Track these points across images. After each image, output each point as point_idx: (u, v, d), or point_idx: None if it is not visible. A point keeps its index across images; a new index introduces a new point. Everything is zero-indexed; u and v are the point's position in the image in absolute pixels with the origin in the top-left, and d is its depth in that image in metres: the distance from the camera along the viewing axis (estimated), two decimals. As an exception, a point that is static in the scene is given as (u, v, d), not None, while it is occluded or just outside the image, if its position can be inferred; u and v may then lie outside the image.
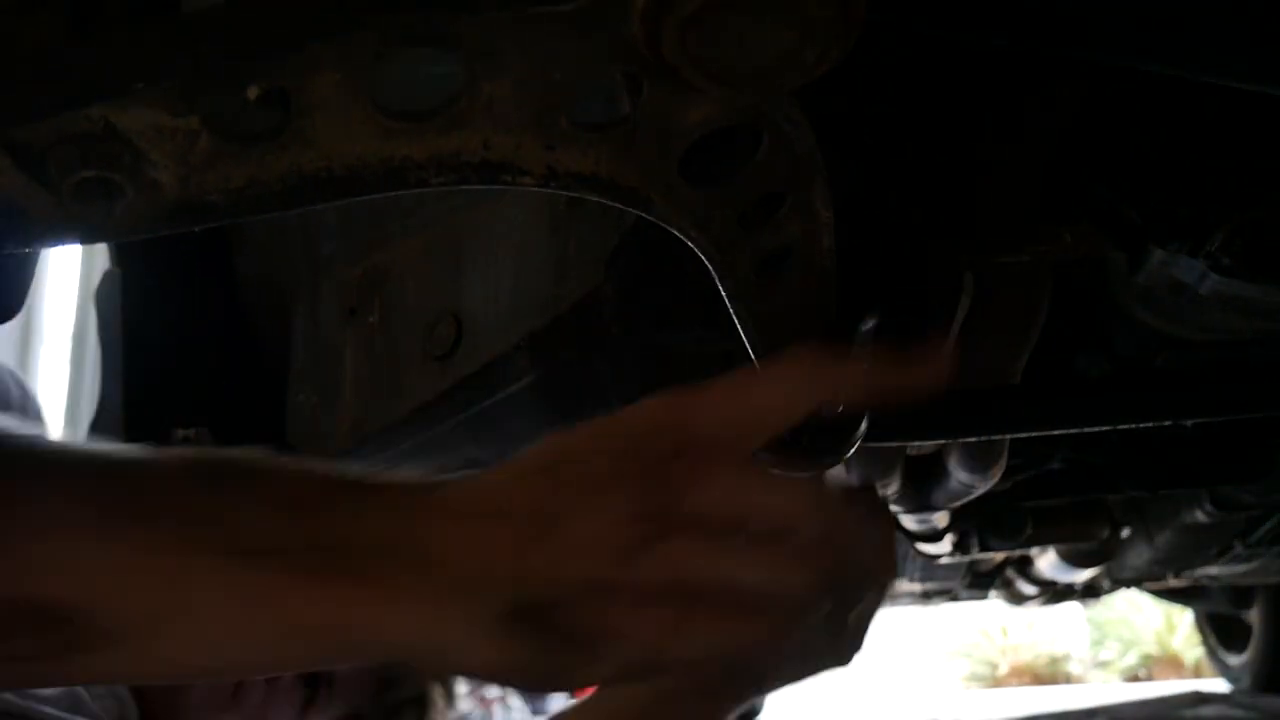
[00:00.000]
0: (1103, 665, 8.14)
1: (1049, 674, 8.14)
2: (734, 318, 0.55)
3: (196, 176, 0.39)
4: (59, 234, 0.39)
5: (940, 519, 1.54)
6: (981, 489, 1.10)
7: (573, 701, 0.74)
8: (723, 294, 0.53)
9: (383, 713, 1.35)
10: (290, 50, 0.36)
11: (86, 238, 0.41)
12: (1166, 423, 0.83)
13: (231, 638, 0.41)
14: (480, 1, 0.36)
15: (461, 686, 5.01)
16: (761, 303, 0.54)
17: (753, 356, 0.58)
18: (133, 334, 1.06)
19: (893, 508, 1.22)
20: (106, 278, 1.12)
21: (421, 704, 1.39)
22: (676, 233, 0.48)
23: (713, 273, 0.51)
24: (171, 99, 0.36)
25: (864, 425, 0.65)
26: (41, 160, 0.37)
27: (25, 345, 4.12)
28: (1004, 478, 1.11)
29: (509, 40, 0.38)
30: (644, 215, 0.46)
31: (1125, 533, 1.93)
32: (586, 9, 0.37)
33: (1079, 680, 8.01)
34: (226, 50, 0.36)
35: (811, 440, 0.65)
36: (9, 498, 0.39)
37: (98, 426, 1.07)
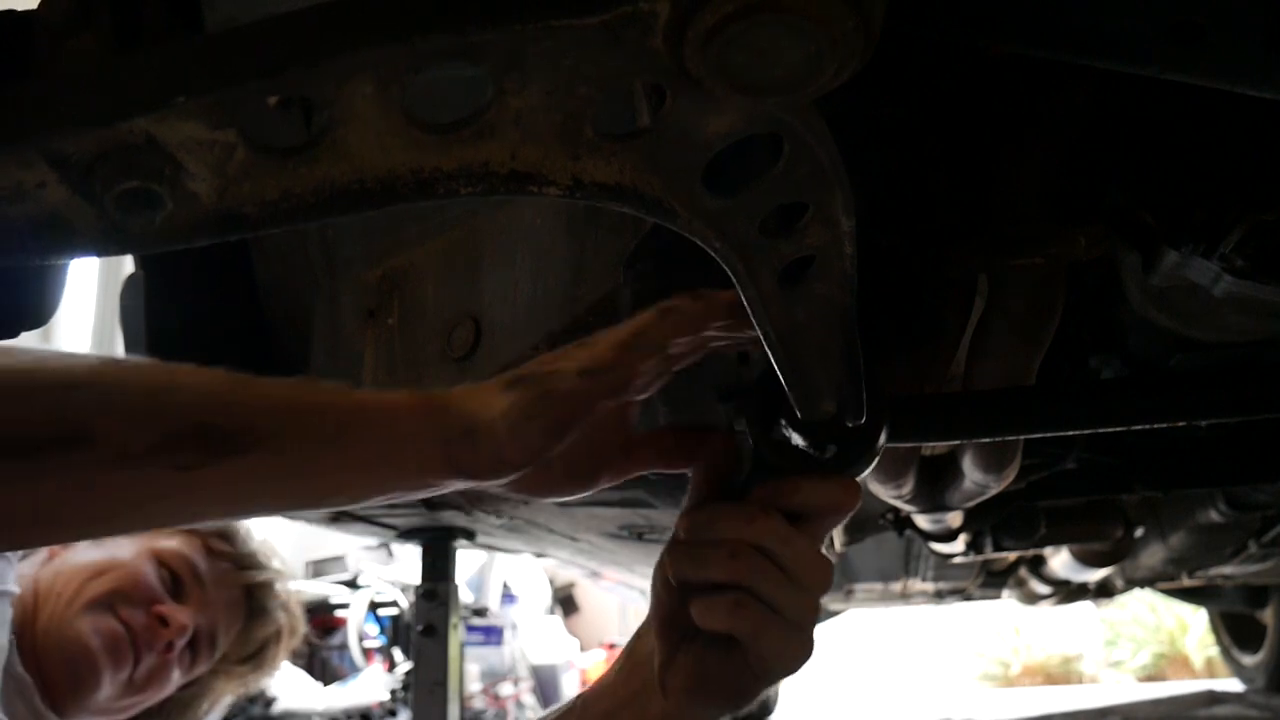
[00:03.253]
0: (1116, 665, 8.11)
1: (1062, 673, 8.12)
2: (755, 326, 0.56)
3: (232, 189, 0.40)
4: (100, 245, 0.41)
5: (954, 519, 1.54)
6: (995, 489, 1.10)
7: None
8: (743, 302, 0.54)
9: (252, 648, 1.51)
10: (324, 63, 0.37)
11: (126, 248, 0.42)
12: (1180, 423, 0.83)
13: (316, 468, 0.59)
14: (506, 14, 0.37)
15: (474, 684, 5.00)
16: (782, 311, 0.55)
17: (774, 363, 0.59)
18: (156, 335, 1.07)
19: (906, 507, 1.22)
20: (130, 281, 1.13)
21: (278, 637, 1.55)
22: (699, 241, 0.49)
23: (734, 281, 0.52)
24: (210, 111, 0.37)
25: (885, 435, 0.66)
26: (85, 174, 0.38)
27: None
28: (1018, 478, 1.11)
29: (534, 52, 0.38)
30: (667, 225, 0.47)
31: (1139, 532, 1.93)
32: (610, 22, 0.37)
33: (1092, 680, 7.98)
34: (262, 63, 0.37)
35: (840, 451, 0.66)
36: (179, 371, 0.58)
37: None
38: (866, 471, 0.67)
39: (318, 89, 0.38)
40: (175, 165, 0.39)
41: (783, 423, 0.66)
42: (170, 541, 1.41)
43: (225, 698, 1.55)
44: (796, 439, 0.66)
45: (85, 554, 1.35)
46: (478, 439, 0.60)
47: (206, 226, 0.41)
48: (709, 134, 0.43)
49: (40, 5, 0.47)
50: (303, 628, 1.63)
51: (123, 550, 1.37)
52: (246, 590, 1.48)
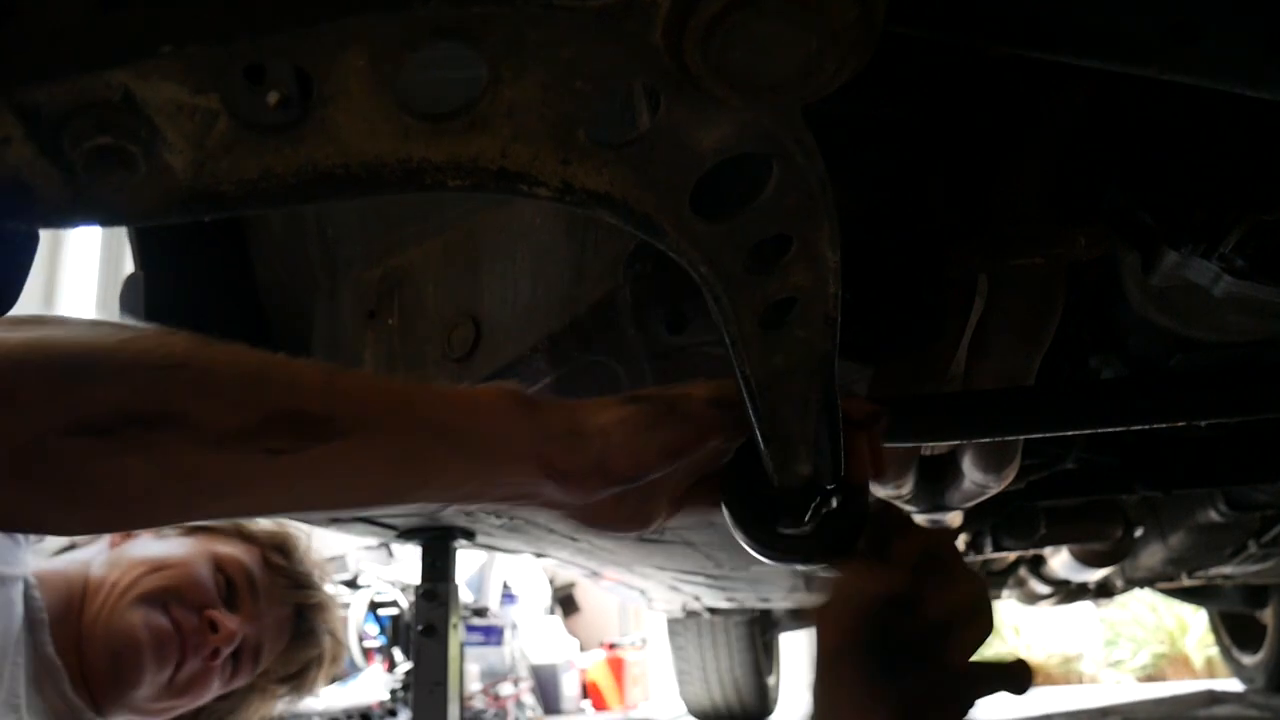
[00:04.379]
0: (1116, 665, 8.10)
1: (1062, 673, 8.11)
2: (734, 362, 0.54)
3: (210, 163, 0.38)
4: (62, 213, 0.38)
5: (954, 519, 1.54)
6: (995, 489, 1.10)
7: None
8: (725, 338, 0.53)
9: (293, 669, 1.47)
10: (321, 23, 0.35)
11: (90, 218, 0.39)
12: (1180, 423, 0.83)
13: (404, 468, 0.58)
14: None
15: (474, 684, 5.00)
16: (761, 356, 0.54)
17: (745, 397, 0.57)
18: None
19: (907, 507, 1.22)
20: (130, 281, 1.13)
21: (320, 661, 1.50)
22: (687, 267, 0.48)
23: (716, 316, 0.51)
24: (195, 71, 0.35)
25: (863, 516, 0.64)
26: (55, 130, 0.35)
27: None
28: (1018, 478, 1.11)
29: (534, 37, 0.38)
30: (656, 244, 0.47)
31: (1139, 532, 1.93)
32: (612, 8, 0.37)
33: (1092, 680, 7.98)
34: (256, 20, 0.35)
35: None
36: (271, 357, 0.58)
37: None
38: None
39: (311, 55, 0.36)
40: (152, 129, 0.36)
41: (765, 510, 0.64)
42: (230, 548, 1.38)
43: (257, 716, 1.50)
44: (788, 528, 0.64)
45: (146, 548, 1.33)
46: (583, 442, 0.58)
47: (179, 202, 0.39)
48: (701, 147, 0.43)
49: None
50: (345, 656, 1.59)
51: (183, 549, 1.34)
52: (297, 609, 1.44)
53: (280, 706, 1.53)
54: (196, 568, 1.31)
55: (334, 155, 0.39)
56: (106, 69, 0.34)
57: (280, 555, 1.43)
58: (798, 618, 3.72)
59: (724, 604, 2.88)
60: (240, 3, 0.35)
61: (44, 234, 0.47)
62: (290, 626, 1.44)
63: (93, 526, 0.77)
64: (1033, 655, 8.35)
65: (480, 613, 5.48)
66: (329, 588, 1.53)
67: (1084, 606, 4.05)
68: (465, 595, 5.18)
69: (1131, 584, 2.61)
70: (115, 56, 0.34)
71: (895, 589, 0.61)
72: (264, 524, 1.43)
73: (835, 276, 0.49)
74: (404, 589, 4.70)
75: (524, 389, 0.61)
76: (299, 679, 1.49)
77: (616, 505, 0.63)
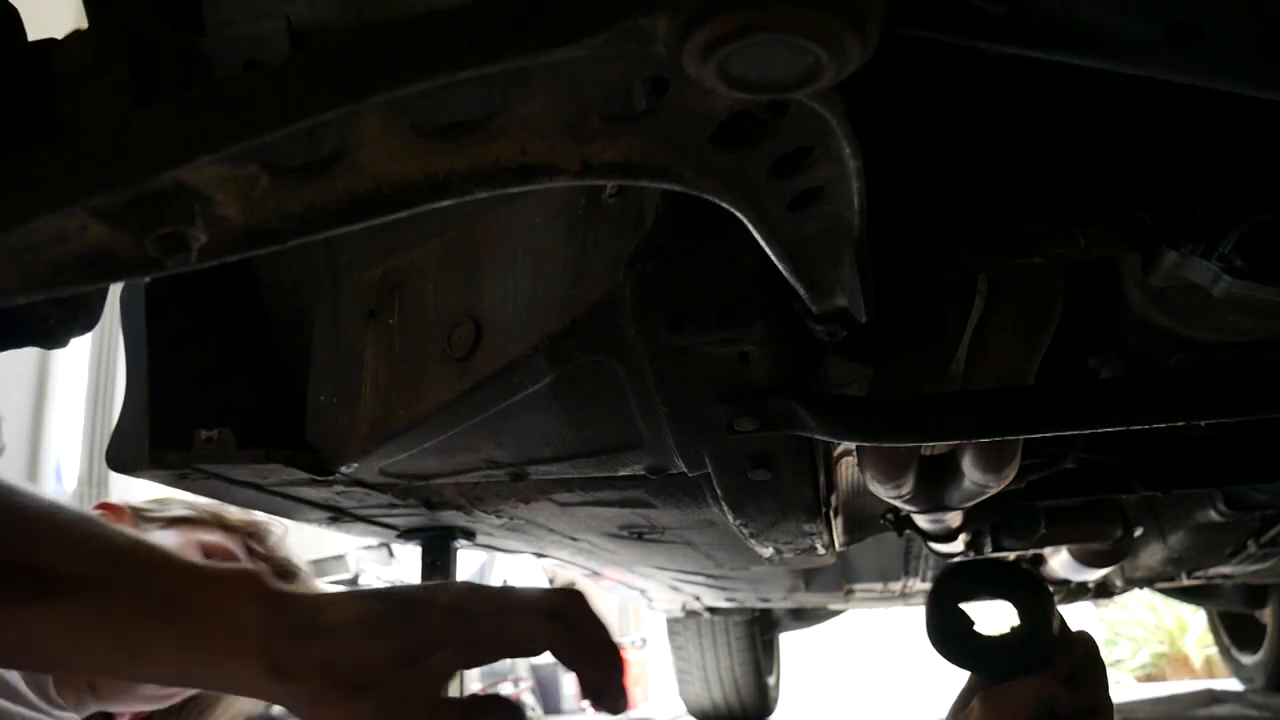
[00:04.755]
0: (1116, 665, 8.10)
1: (1061, 673, 8.11)
2: (763, 244, 0.56)
3: (259, 209, 0.42)
4: (145, 269, 0.43)
5: (954, 518, 1.54)
6: (995, 489, 1.10)
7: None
8: (757, 237, 0.54)
9: None
10: (334, 110, 0.38)
11: (169, 270, 0.44)
12: (1180, 423, 0.83)
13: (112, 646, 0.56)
14: (507, 52, 0.37)
15: (474, 684, 5.01)
16: (792, 230, 0.56)
17: (796, 287, 0.61)
18: (156, 336, 1.07)
19: (906, 507, 1.22)
20: (130, 281, 1.13)
21: None
22: (709, 196, 0.49)
23: (746, 223, 0.53)
24: (232, 158, 0.39)
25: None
26: (121, 217, 0.40)
27: (44, 350, 4.15)
28: (1018, 478, 1.11)
29: (538, 73, 0.40)
30: (676, 188, 0.48)
31: (1138, 532, 1.93)
32: (611, 39, 0.38)
33: (1092, 680, 7.98)
34: (277, 115, 0.38)
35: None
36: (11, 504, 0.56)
37: (123, 429, 1.08)
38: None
39: (330, 129, 0.40)
40: (205, 200, 0.41)
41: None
42: (214, 536, 1.40)
43: (242, 713, 1.52)
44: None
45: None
46: (314, 638, 0.55)
47: (238, 244, 0.44)
48: (714, 108, 0.44)
49: (58, 51, 0.48)
50: None
51: (169, 541, 1.35)
52: None
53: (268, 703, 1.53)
54: (185, 554, 1.32)
55: (366, 184, 0.43)
56: (155, 175, 0.39)
57: (258, 543, 1.45)
58: (798, 617, 3.72)
59: (724, 604, 2.88)
60: (258, 100, 0.39)
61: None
62: None
63: None
64: (1032, 655, 8.32)
65: (480, 613, 5.48)
66: (304, 573, 1.54)
67: (1084, 606, 4.05)
68: (465, 595, 5.17)
69: (1131, 584, 2.61)
70: (160, 164, 0.39)
71: (1055, 696, 0.83)
72: (237, 513, 1.45)
73: (858, 175, 0.51)
74: (404, 589, 4.69)
75: (267, 576, 0.60)
76: None
77: (355, 712, 0.58)
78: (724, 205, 0.50)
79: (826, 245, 0.60)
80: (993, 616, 1.03)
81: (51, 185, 0.39)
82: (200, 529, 1.40)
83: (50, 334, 0.56)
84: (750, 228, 0.54)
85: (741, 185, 0.49)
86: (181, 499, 1.37)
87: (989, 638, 1.00)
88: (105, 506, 1.47)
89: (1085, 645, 0.90)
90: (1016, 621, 1.01)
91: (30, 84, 0.47)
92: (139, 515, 1.45)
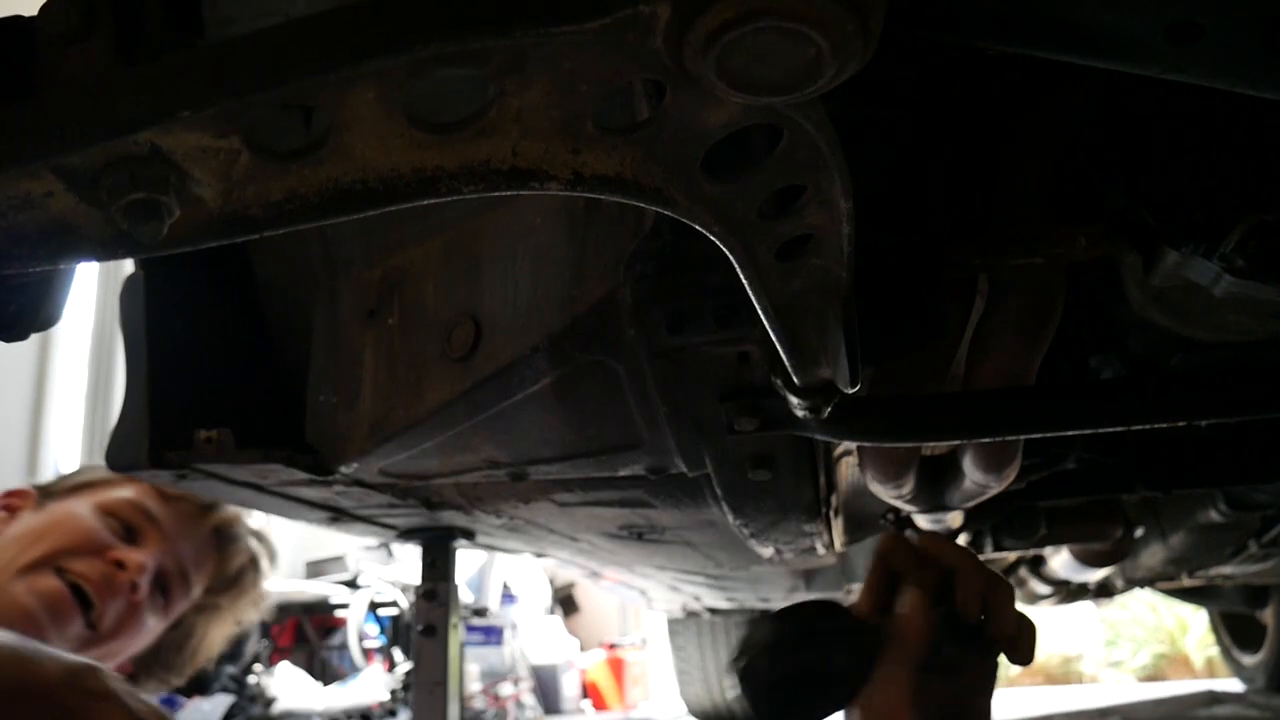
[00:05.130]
0: (1116, 665, 8.10)
1: (1062, 674, 8.11)
2: (751, 294, 0.56)
3: (237, 192, 0.40)
4: (108, 250, 0.41)
5: (954, 518, 1.54)
6: (996, 489, 1.10)
7: None
8: (743, 282, 0.54)
9: (229, 577, 1.54)
10: (326, 74, 0.37)
11: (134, 253, 0.42)
12: (1181, 423, 0.83)
13: None
14: (507, 22, 0.37)
15: (474, 684, 5.01)
16: (780, 283, 0.55)
17: (775, 343, 0.59)
18: (156, 336, 1.07)
19: (907, 507, 1.22)
20: (130, 281, 1.13)
21: (254, 562, 1.58)
22: (698, 227, 0.49)
23: (733, 263, 0.52)
24: (214, 121, 0.38)
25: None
26: (93, 183, 0.38)
27: (43, 349, 4.15)
28: (1018, 478, 1.11)
29: (535, 56, 0.39)
30: (666, 212, 0.47)
31: (1139, 532, 1.93)
32: (611, 26, 0.37)
33: (1092, 680, 7.98)
34: (265, 75, 0.37)
35: None
36: None
37: (122, 429, 1.08)
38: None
39: (320, 98, 0.38)
40: (180, 173, 0.39)
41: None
42: (119, 491, 1.42)
43: (218, 635, 1.56)
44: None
45: (23, 524, 1.37)
46: None
47: (213, 229, 0.42)
48: (709, 125, 0.43)
49: (40, 14, 0.47)
50: (276, 551, 1.65)
51: (62, 511, 1.38)
52: (214, 529, 1.49)
53: (239, 620, 1.58)
54: (81, 521, 1.36)
55: (352, 173, 0.42)
56: (131, 133, 0.37)
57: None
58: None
59: (724, 604, 2.88)
60: (251, 59, 0.37)
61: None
62: (212, 544, 1.49)
63: None
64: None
65: (480, 613, 5.48)
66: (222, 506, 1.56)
67: (1084, 606, 4.04)
68: (465, 595, 5.17)
69: (1132, 584, 2.61)
70: (138, 122, 0.37)
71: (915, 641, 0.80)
72: None
73: (849, 219, 0.51)
74: (404, 589, 4.70)
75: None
76: (237, 585, 1.55)
77: None
78: (714, 239, 0.50)
79: (813, 304, 0.59)
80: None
81: (20, 139, 0.37)
82: (101, 489, 1.42)
83: (10, 324, 0.54)
84: (739, 272, 0.53)
85: (731, 219, 0.49)
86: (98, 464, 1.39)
87: (812, 678, 0.85)
88: (10, 494, 1.48)
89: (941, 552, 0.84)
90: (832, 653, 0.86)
91: (7, 51, 0.45)
92: (43, 491, 1.47)
